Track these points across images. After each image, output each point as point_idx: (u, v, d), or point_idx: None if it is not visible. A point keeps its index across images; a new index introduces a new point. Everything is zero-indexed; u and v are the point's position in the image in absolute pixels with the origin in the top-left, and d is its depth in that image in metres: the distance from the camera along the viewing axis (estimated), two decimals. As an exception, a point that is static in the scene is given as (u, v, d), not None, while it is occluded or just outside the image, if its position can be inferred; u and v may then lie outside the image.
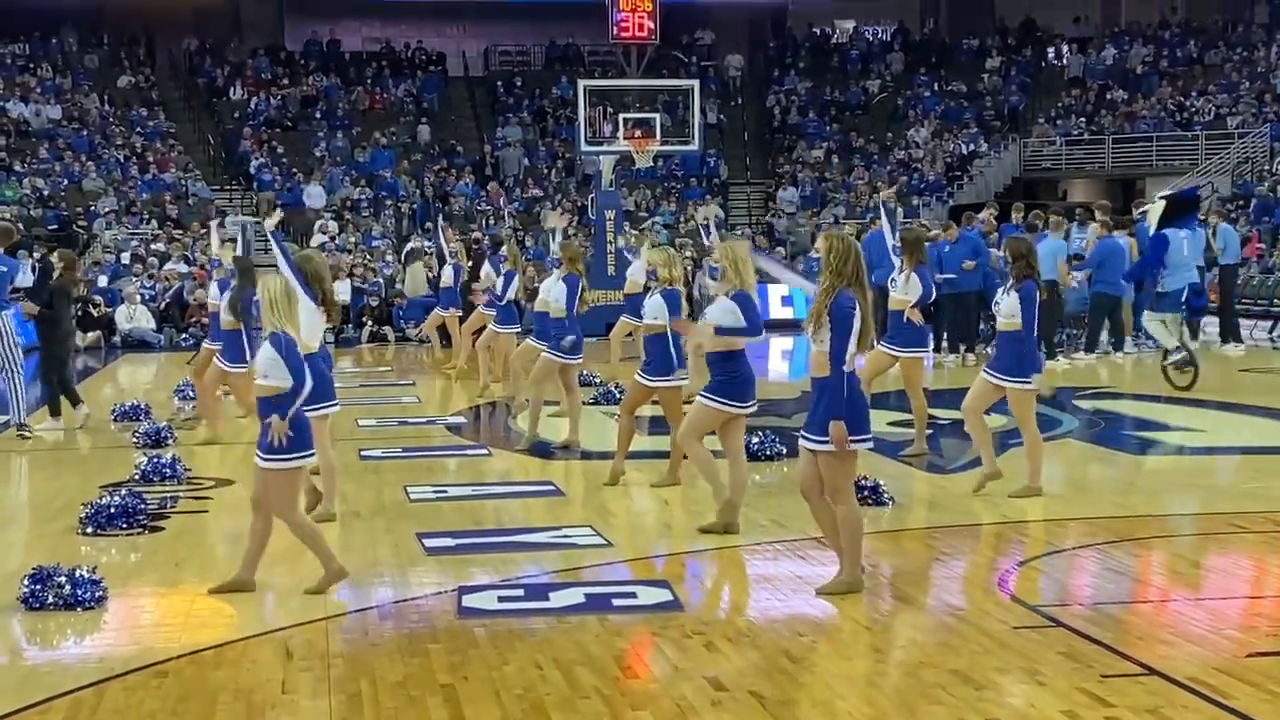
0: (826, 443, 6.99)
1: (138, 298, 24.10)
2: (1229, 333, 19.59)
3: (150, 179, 32.42)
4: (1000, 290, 9.83)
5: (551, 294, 12.37)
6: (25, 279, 18.61)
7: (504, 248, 16.26)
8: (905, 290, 11.21)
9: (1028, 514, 9.13)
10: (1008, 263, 9.64)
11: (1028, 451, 9.61)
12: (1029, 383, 9.46)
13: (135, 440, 12.35)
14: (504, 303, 15.03)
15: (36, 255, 22.70)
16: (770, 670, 6.06)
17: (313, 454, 7.42)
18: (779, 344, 21.71)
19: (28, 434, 12.98)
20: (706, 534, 8.61)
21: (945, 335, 18.71)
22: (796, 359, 20.00)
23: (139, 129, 34.47)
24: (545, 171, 35.34)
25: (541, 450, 12.03)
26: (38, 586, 7.08)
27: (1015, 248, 9.63)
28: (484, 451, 12.26)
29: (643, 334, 10.42)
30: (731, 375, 8.72)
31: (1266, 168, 31.49)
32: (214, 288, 13.54)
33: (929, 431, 11.53)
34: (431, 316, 19.56)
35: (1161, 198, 16.53)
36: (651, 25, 27.75)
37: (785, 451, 11.00)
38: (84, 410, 13.67)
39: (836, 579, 7.21)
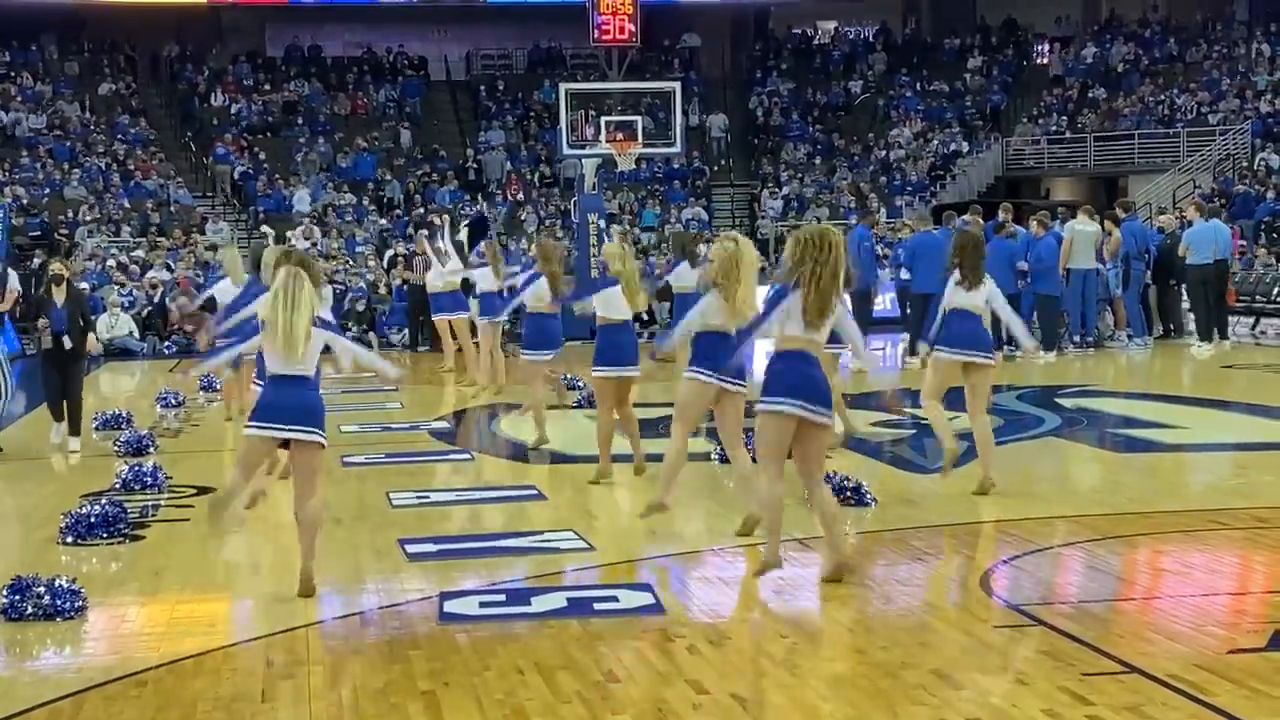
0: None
1: (119, 306, 24.01)
2: (1220, 328, 19.62)
3: (132, 186, 32.34)
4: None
5: (527, 293, 12.43)
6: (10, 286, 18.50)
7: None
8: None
9: (1009, 513, 9.12)
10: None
11: (980, 443, 9.56)
12: (993, 359, 9.48)
13: (116, 449, 12.31)
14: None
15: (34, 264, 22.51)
16: (752, 673, 6.06)
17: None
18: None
19: None
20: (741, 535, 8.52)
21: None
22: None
23: (120, 136, 34.37)
24: (529, 175, 35.31)
25: (523, 454, 12.02)
26: (16, 597, 7.04)
27: (960, 240, 9.77)
28: (466, 456, 12.24)
29: (599, 325, 10.53)
30: (697, 346, 8.43)
31: (1247, 164, 31.57)
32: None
33: (912, 432, 11.49)
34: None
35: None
36: (632, 28, 27.74)
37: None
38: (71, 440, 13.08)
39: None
